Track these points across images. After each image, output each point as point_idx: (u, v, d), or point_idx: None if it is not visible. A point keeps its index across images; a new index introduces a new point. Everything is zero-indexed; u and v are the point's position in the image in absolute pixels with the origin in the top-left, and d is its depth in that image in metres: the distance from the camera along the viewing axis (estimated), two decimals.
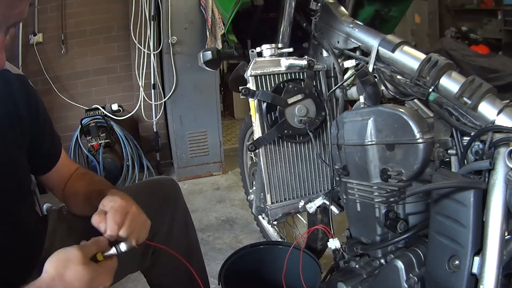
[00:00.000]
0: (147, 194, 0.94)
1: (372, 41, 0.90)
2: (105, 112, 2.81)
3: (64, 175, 0.91)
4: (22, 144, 0.77)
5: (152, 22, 2.70)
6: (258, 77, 0.97)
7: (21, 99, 0.76)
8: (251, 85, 0.97)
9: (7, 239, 0.72)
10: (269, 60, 0.99)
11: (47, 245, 0.83)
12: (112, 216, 0.69)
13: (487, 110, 0.67)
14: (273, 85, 0.98)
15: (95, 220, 0.69)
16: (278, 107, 0.97)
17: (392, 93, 0.84)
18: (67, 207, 0.91)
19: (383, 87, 0.86)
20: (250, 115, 1.00)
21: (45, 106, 0.85)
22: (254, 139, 0.98)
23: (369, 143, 0.79)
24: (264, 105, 0.97)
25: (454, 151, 0.70)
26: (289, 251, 1.12)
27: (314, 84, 1.02)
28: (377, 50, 0.88)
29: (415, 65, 0.79)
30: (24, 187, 0.78)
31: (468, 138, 0.66)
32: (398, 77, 0.83)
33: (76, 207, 0.88)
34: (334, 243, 0.94)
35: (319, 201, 1.02)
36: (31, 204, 0.85)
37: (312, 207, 1.02)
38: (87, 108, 2.83)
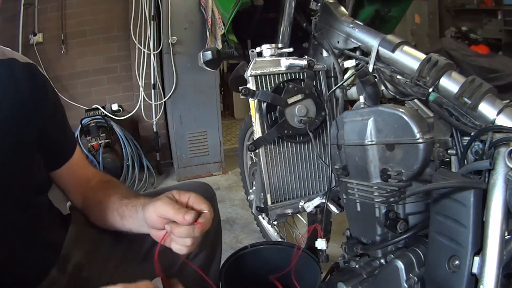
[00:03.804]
0: None
1: (372, 41, 0.90)
2: (105, 112, 2.81)
3: (79, 177, 0.85)
4: (31, 138, 0.73)
5: (152, 22, 2.70)
6: (258, 77, 0.97)
7: (27, 88, 0.73)
8: (251, 85, 0.97)
9: (22, 240, 0.70)
10: (269, 60, 0.99)
11: (66, 244, 0.79)
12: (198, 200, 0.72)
13: (487, 110, 0.67)
14: (273, 85, 0.98)
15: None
16: (278, 107, 0.97)
17: (392, 93, 0.84)
18: (89, 217, 0.84)
19: (383, 87, 0.86)
20: (250, 115, 1.00)
21: (58, 96, 0.82)
22: (254, 139, 0.98)
23: (369, 143, 0.79)
24: (264, 105, 0.97)
25: (454, 151, 0.70)
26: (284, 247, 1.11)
27: (314, 84, 1.02)
28: (377, 50, 0.87)
29: (415, 65, 0.79)
30: (37, 183, 0.75)
31: (468, 138, 0.66)
32: (398, 77, 0.83)
33: (101, 218, 0.81)
34: (320, 244, 0.94)
35: (316, 201, 1.02)
36: (48, 199, 0.81)
37: (309, 206, 1.02)
38: (87, 108, 2.83)
